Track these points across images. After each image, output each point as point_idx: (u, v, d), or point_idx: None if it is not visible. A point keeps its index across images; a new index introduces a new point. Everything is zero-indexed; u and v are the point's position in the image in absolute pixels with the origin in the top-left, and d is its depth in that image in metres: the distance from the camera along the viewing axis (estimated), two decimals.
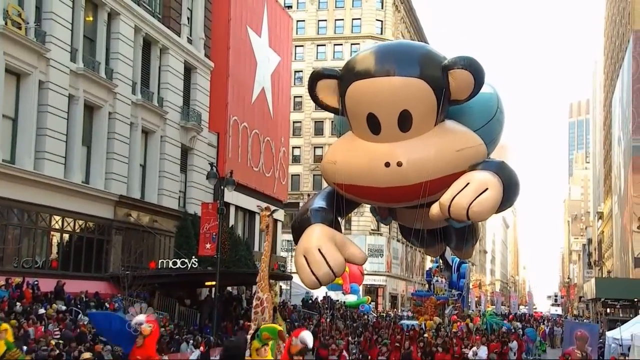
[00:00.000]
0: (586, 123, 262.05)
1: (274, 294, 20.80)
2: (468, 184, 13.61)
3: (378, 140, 14.27)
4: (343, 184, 14.90)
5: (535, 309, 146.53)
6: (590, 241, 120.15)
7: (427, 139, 14.24)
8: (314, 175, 75.21)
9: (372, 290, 71.03)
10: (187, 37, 37.12)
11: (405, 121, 13.98)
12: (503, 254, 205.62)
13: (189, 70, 37.22)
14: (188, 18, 37.43)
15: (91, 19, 30.11)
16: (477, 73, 13.77)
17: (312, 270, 14.05)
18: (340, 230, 15.52)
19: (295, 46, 72.42)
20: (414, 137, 14.19)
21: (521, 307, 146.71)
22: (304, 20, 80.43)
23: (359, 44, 79.53)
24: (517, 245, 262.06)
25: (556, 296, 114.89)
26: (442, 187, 14.20)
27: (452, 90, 14.00)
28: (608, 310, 38.94)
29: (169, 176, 34.54)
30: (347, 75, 14.41)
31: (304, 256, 14.26)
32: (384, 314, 55.93)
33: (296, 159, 75.43)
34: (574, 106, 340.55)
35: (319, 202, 15.60)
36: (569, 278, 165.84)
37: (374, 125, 14.17)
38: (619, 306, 38.66)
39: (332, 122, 59.34)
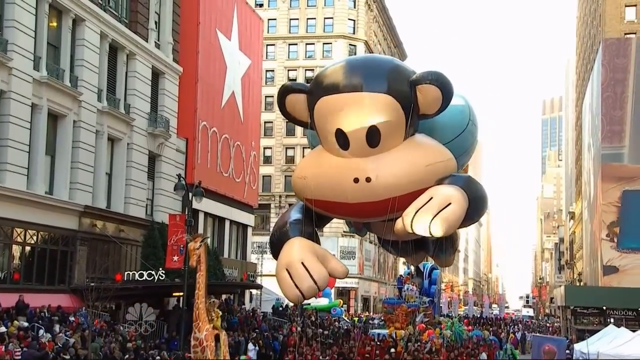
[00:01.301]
0: (559, 120, 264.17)
1: (217, 316, 20.40)
2: (431, 198, 13.59)
3: (347, 155, 14.23)
4: (313, 199, 14.84)
5: (507, 307, 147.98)
6: (562, 240, 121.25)
7: (396, 154, 14.23)
8: (285, 176, 74.85)
9: (344, 293, 70.95)
10: (155, 42, 36.60)
11: (373, 137, 13.94)
12: (476, 253, 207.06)
13: (156, 75, 36.70)
14: (156, 22, 36.91)
15: (55, 25, 29.51)
16: (444, 88, 13.80)
17: (295, 284, 13.90)
18: (319, 243, 15.39)
19: (267, 45, 72.07)
20: (382, 152, 14.17)
21: (494, 305, 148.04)
22: (275, 19, 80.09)
23: (331, 43, 79.45)
24: (490, 243, 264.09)
25: (527, 297, 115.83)
26: (412, 202, 14.17)
27: (420, 105, 14.02)
28: (577, 318, 39.21)
29: (136, 184, 34.04)
30: (316, 90, 14.39)
31: (287, 270, 14.09)
32: (356, 318, 55.90)
33: (267, 160, 75.07)
34: (547, 103, 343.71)
35: (297, 215, 15.49)
36: (541, 279, 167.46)
37: (342, 140, 14.12)
38: (588, 313, 38.93)
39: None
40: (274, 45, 78.42)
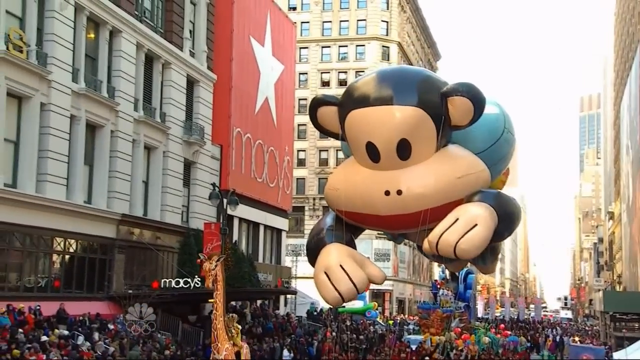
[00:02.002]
0: (597, 118, 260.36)
1: (237, 332, 20.42)
2: (457, 219, 13.49)
3: (378, 167, 14.20)
4: (345, 211, 14.85)
5: (545, 308, 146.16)
6: (601, 240, 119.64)
7: (427, 167, 14.17)
8: (319, 178, 75.15)
9: (378, 295, 70.92)
10: (190, 51, 37.11)
11: (404, 150, 13.90)
12: (513, 252, 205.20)
13: (191, 83, 37.20)
14: (190, 31, 37.40)
15: (93, 37, 30.11)
16: (476, 100, 13.68)
17: (334, 287, 13.95)
18: (355, 248, 15.36)
19: (300, 48, 72.28)
20: (414, 164, 14.11)
21: (531, 306, 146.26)
22: (308, 22, 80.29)
23: (364, 45, 79.47)
24: (527, 243, 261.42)
25: (566, 299, 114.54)
26: (444, 214, 14.10)
27: (452, 117, 13.94)
28: (616, 324, 38.59)
29: (172, 192, 34.57)
30: (346, 103, 14.40)
31: (325, 273, 14.14)
32: (391, 322, 55.91)
33: (301, 163, 75.31)
34: (585, 100, 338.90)
35: (332, 222, 15.44)
36: (579, 279, 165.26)
37: (373, 153, 14.10)
38: (628, 319, 38.32)
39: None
40: (307, 48, 78.67)
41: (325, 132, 15.47)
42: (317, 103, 14.84)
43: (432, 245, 13.54)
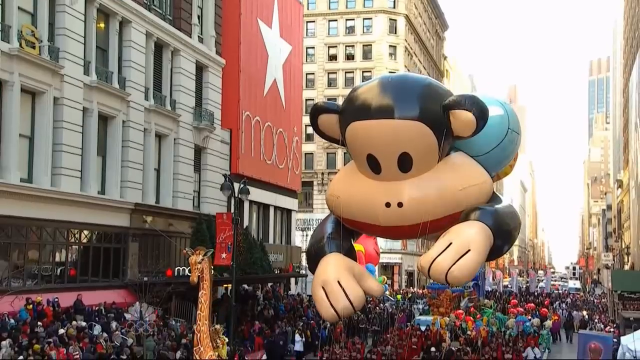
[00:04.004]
0: (607, 81, 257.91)
1: (222, 343, 18.71)
2: (450, 244, 13.33)
3: (379, 178, 14.24)
4: (345, 219, 15.09)
5: (553, 273, 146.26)
6: (609, 207, 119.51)
7: (428, 179, 14.16)
8: (327, 153, 75.52)
9: (387, 268, 71.65)
10: (198, 36, 37.27)
11: (405, 162, 13.93)
12: (521, 219, 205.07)
13: (200, 69, 37.43)
14: (198, 17, 37.53)
15: (103, 28, 30.35)
16: (479, 113, 13.58)
17: (331, 304, 14.01)
18: (355, 258, 15.61)
19: (307, 22, 72.03)
20: (415, 176, 14.11)
21: (540, 272, 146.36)
22: None
23: (371, 18, 79.09)
24: (535, 209, 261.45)
25: (574, 268, 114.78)
26: (445, 226, 14.19)
27: (454, 128, 13.85)
28: (625, 303, 38.80)
29: (183, 178, 35.04)
30: (347, 112, 14.32)
31: (323, 288, 14.21)
32: (400, 296, 56.59)
33: (309, 138, 75.25)
34: (594, 64, 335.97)
35: (332, 229, 15.56)
36: (587, 249, 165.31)
37: (374, 165, 14.15)
38: (636, 298, 38.53)
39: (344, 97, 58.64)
40: (313, 22, 78.41)
41: (326, 138, 15.44)
42: (317, 111, 14.87)
43: (424, 270, 13.49)
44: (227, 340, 20.22)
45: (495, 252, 14.11)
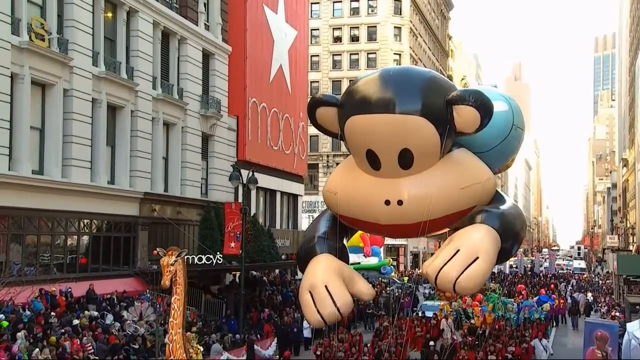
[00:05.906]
0: (612, 58, 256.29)
1: (195, 352, 17.32)
2: (458, 251, 12.78)
3: (378, 175, 13.73)
4: (343, 216, 14.53)
5: (558, 251, 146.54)
6: (614, 186, 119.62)
7: (429, 176, 13.67)
8: None
9: (392, 250, 72.07)
10: (205, 24, 37.37)
11: (406, 159, 13.39)
12: (526, 197, 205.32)
13: (207, 57, 37.58)
14: (205, 4, 37.60)
15: (111, 18, 30.51)
16: (483, 110, 13.08)
17: (317, 309, 13.53)
18: (347, 259, 15.03)
19: (311, 3, 71.87)
20: (416, 173, 13.62)
21: (544, 250, 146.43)
22: None
23: None
24: (540, 186, 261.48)
25: (579, 248, 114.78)
26: (446, 225, 13.98)
27: (457, 124, 13.34)
28: (631, 287, 38.97)
29: (191, 166, 35.34)
30: (346, 106, 13.71)
31: (310, 292, 13.72)
32: (406, 278, 57.02)
33: None
34: (600, 40, 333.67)
35: (325, 228, 15.03)
36: (592, 227, 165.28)
37: (373, 160, 13.61)
38: None
39: (350, 80, 59.01)
40: (318, 3, 78.23)
41: (324, 132, 14.61)
42: (315, 103, 14.13)
43: (430, 279, 13.03)
44: (201, 349, 19.16)
45: (503, 254, 13.62)
